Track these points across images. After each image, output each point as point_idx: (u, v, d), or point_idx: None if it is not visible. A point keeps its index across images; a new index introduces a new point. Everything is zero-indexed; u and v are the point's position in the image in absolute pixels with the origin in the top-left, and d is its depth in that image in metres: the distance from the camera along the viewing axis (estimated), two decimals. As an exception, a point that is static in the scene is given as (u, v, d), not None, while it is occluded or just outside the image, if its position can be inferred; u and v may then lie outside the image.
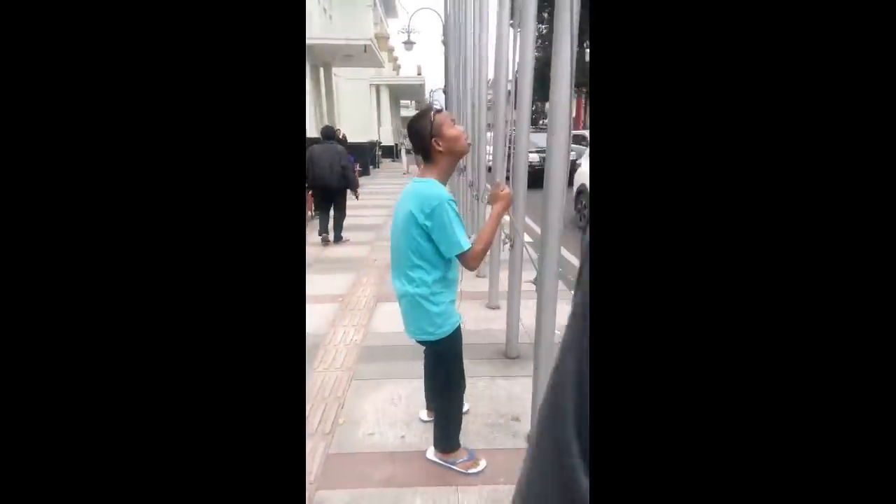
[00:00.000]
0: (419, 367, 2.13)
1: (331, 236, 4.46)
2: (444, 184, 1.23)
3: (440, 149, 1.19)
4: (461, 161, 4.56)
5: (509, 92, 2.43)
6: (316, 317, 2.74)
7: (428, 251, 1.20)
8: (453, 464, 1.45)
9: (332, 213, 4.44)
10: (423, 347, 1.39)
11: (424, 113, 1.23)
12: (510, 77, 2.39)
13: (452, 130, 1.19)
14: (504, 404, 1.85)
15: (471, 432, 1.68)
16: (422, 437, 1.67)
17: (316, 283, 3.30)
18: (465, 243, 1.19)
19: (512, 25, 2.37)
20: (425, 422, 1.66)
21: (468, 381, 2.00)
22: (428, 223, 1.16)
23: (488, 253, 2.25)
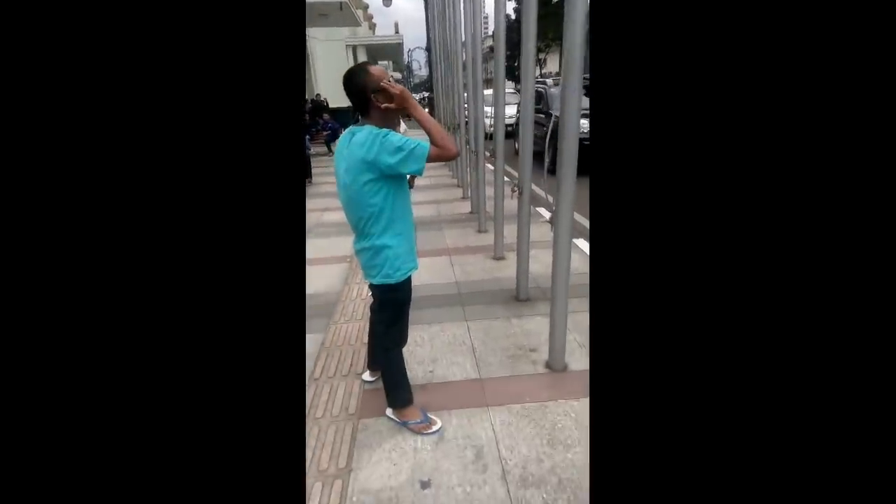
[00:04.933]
0: (436, 313, 2.26)
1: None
2: None
3: (380, 104, 1.19)
4: (457, 121, 4.48)
5: (491, 48, 2.42)
6: (328, 276, 2.81)
7: (381, 199, 1.21)
8: (406, 424, 1.49)
9: None
10: (388, 298, 1.37)
11: (362, 68, 1.20)
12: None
13: (390, 86, 1.18)
14: (521, 339, 1.99)
15: (494, 363, 1.83)
16: (448, 369, 1.81)
17: (321, 247, 3.34)
18: (426, 143, 1.18)
19: None
20: (369, 382, 1.72)
21: (484, 323, 2.14)
22: (380, 158, 1.14)
23: (488, 210, 2.22)
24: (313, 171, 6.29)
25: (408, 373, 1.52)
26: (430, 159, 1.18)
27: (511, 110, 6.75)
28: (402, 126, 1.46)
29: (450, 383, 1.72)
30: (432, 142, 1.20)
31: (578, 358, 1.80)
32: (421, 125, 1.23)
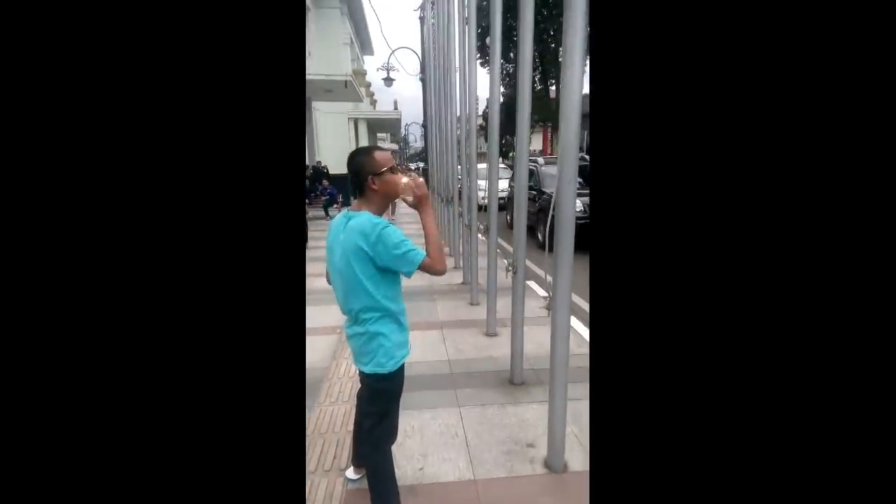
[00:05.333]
0: (427, 396, 2.14)
1: None
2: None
3: (375, 188, 1.21)
4: (450, 193, 4.67)
5: (481, 126, 2.59)
6: (315, 350, 2.70)
7: (376, 286, 1.19)
8: None
9: None
10: (381, 386, 1.30)
11: (367, 151, 1.24)
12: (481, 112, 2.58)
13: (392, 175, 1.22)
14: (517, 431, 1.87)
15: (489, 461, 1.69)
16: (440, 467, 1.67)
17: (310, 315, 3.25)
18: (422, 251, 1.18)
19: (484, 64, 2.56)
20: (353, 480, 1.58)
21: (478, 410, 2.03)
22: (376, 250, 1.15)
23: (485, 281, 2.22)
24: (309, 233, 6.34)
25: (396, 470, 1.39)
26: (421, 268, 1.18)
27: (503, 184, 7.07)
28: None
29: (441, 485, 1.58)
30: (428, 252, 1.20)
31: (578, 455, 1.69)
32: (425, 233, 1.25)
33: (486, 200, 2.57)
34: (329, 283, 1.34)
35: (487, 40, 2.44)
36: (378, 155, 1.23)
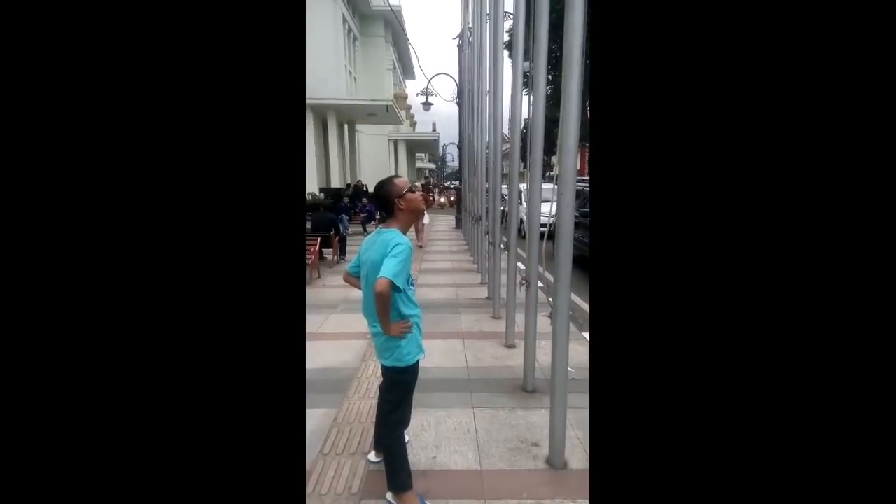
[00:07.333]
0: (444, 397, 2.34)
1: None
2: (405, 234, 1.53)
3: (402, 207, 1.50)
4: (478, 210, 4.91)
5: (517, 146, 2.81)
6: (347, 352, 2.99)
7: (396, 294, 1.40)
8: None
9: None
10: (396, 383, 1.55)
11: (389, 180, 1.55)
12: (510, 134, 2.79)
13: (412, 194, 1.53)
14: (524, 431, 2.03)
15: (495, 455, 1.86)
16: (450, 457, 1.85)
17: (345, 322, 3.57)
18: (396, 279, 1.35)
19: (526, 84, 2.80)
20: (374, 463, 1.79)
21: (490, 411, 2.21)
22: (388, 254, 1.40)
23: (503, 297, 2.39)
24: (347, 248, 6.79)
25: (411, 457, 1.60)
26: (379, 282, 1.36)
27: (546, 207, 7.15)
28: (427, 217, 1.77)
29: (450, 472, 1.77)
30: (387, 289, 1.37)
31: (579, 456, 1.81)
32: (384, 315, 1.43)
33: (505, 220, 2.74)
34: (345, 281, 1.67)
35: (527, 65, 2.63)
36: (397, 181, 1.57)
